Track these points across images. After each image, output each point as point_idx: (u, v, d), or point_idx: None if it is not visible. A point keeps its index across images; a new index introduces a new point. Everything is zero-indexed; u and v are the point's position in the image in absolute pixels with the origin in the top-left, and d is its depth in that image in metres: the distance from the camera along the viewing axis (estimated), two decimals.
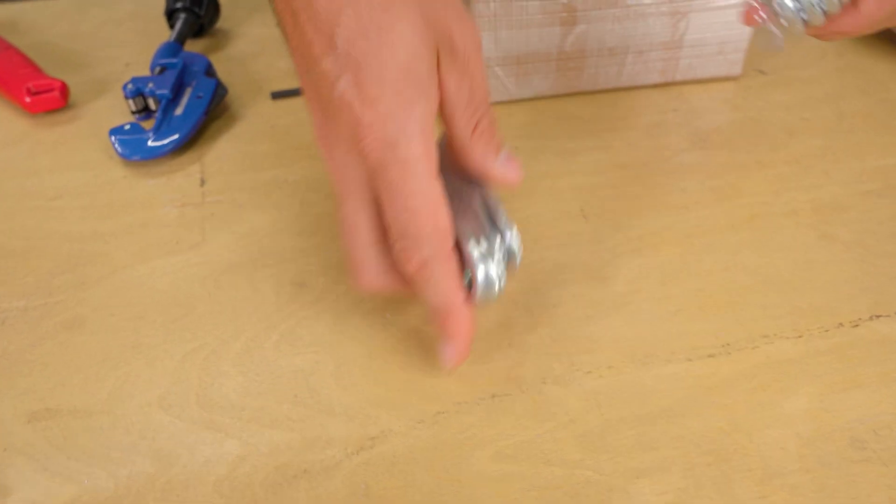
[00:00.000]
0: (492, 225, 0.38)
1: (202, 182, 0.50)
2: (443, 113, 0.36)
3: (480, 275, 0.36)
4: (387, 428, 0.38)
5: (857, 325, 0.42)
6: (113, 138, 0.51)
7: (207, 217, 0.48)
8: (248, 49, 0.62)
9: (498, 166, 0.38)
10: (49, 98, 0.54)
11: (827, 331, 0.42)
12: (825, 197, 0.50)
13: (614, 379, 0.40)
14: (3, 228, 0.48)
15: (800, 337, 0.42)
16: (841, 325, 0.42)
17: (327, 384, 0.39)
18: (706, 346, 0.41)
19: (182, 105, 0.53)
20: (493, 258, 0.37)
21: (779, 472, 0.36)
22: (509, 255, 0.38)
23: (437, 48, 0.35)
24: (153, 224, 0.48)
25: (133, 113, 0.54)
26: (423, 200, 0.34)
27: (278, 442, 0.37)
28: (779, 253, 0.46)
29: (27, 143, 0.54)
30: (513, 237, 0.38)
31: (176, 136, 0.51)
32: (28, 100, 0.54)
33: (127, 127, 0.51)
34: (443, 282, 0.36)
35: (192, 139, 0.53)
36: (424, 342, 0.41)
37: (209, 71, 0.56)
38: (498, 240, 0.37)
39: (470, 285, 0.37)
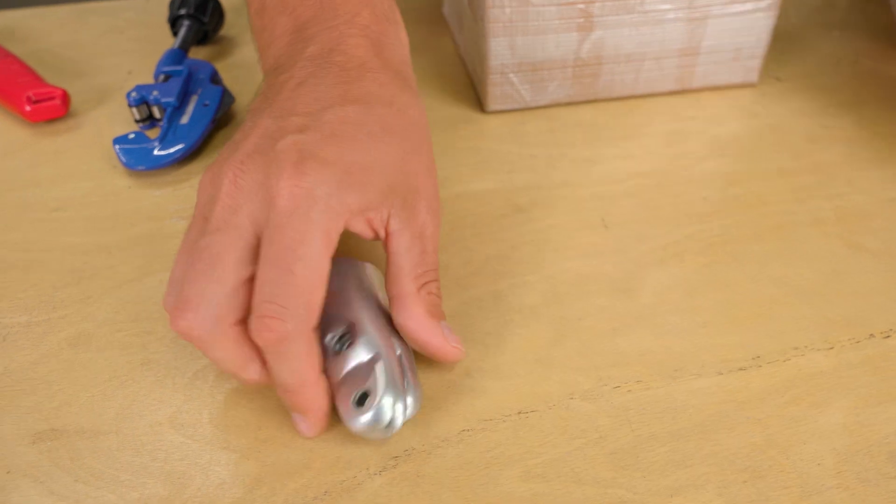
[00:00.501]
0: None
1: None
2: (391, 269, 0.36)
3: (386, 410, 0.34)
4: (410, 447, 0.36)
5: (888, 336, 0.41)
6: (116, 147, 0.49)
7: None
8: (253, 56, 0.60)
9: (442, 330, 0.37)
10: (50, 106, 0.53)
11: (858, 342, 0.41)
12: (850, 205, 0.48)
13: (643, 394, 0.38)
14: (4, 241, 0.46)
15: (831, 349, 0.41)
16: (872, 335, 0.41)
17: None
18: (736, 359, 0.40)
19: (188, 113, 0.51)
20: (402, 401, 0.35)
21: (817, 490, 0.35)
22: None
23: (400, 197, 0.36)
24: (159, 236, 0.46)
25: (137, 122, 0.52)
26: (309, 272, 0.32)
27: (297, 462, 0.36)
28: (805, 263, 0.45)
29: (27, 152, 0.52)
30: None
31: (182, 146, 0.50)
32: (28, 108, 0.52)
33: (131, 136, 0.50)
34: (297, 360, 0.33)
35: (199, 148, 0.52)
36: None
37: (215, 78, 0.54)
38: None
39: (360, 401, 0.35)
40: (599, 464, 0.36)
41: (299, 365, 0.33)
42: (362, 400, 0.35)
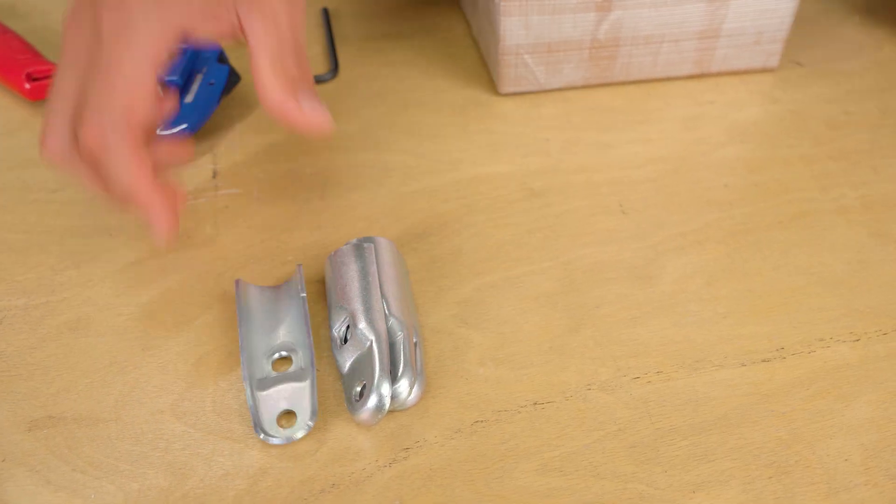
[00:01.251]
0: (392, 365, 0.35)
1: (214, 174, 0.47)
2: (252, 63, 0.36)
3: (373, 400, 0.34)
4: (421, 438, 0.35)
5: None
6: None
7: (221, 210, 0.45)
8: None
9: (295, 101, 0.36)
10: (50, 84, 0.51)
11: (885, 334, 0.40)
12: (875, 194, 0.47)
13: (664, 385, 0.37)
14: (2, 222, 0.44)
15: (857, 340, 0.39)
16: None
17: None
18: (760, 351, 0.39)
19: (192, 92, 0.50)
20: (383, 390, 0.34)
21: (844, 486, 0.34)
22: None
23: None
24: None
25: None
26: (130, 84, 0.33)
27: (303, 453, 0.34)
28: (830, 252, 0.43)
29: (27, 131, 0.50)
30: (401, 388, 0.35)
31: (186, 126, 0.48)
32: (27, 86, 0.51)
33: None
34: (123, 158, 0.34)
35: (204, 129, 0.50)
36: (458, 346, 0.38)
37: (221, 57, 0.53)
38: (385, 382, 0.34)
39: (359, 398, 0.35)
40: (619, 457, 0.34)
41: (124, 163, 0.34)
42: (361, 392, 0.34)
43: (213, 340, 0.38)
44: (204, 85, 0.50)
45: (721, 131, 0.51)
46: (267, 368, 0.37)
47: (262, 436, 0.34)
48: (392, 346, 0.36)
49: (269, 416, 0.35)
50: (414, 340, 0.36)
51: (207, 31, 0.35)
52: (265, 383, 0.36)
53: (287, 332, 0.38)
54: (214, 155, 0.49)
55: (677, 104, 0.53)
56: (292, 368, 0.37)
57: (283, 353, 0.37)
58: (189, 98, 0.49)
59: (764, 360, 0.38)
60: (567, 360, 0.38)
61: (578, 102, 0.53)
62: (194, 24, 0.35)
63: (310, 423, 0.34)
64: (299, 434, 0.34)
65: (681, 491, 0.33)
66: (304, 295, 0.38)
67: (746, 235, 0.44)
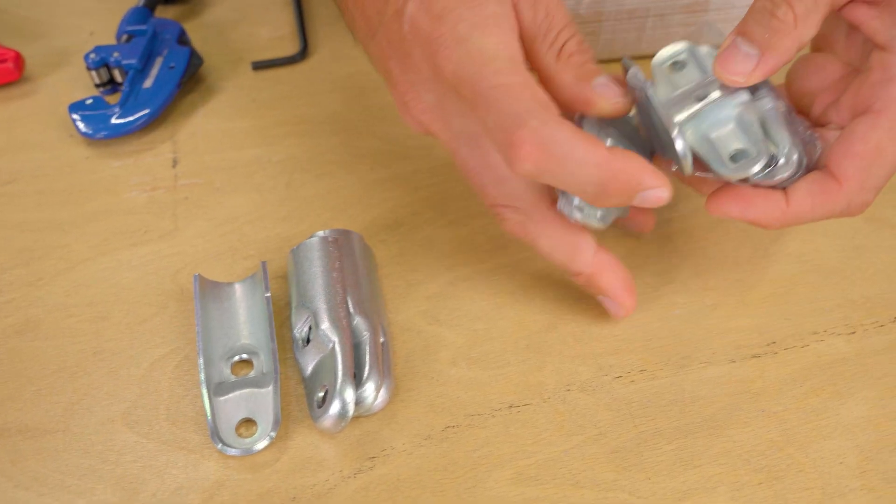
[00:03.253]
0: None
1: (174, 163, 0.45)
2: (525, 50, 0.33)
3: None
4: (388, 446, 0.33)
5: None
6: (73, 115, 0.45)
7: (181, 202, 0.43)
8: (225, 16, 0.56)
9: (596, 89, 0.33)
10: (1, 70, 0.48)
11: (882, 325, 0.38)
12: None
13: (648, 384, 0.35)
14: None
15: (853, 333, 0.37)
16: None
17: None
18: (750, 345, 0.37)
19: (152, 77, 0.47)
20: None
21: (839, 491, 0.32)
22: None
23: None
24: (119, 211, 0.42)
25: (96, 86, 0.48)
26: (504, 95, 0.30)
27: (262, 464, 0.32)
28: (823, 238, 0.41)
29: None
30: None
31: (145, 112, 0.46)
32: None
33: (89, 101, 0.46)
34: (546, 242, 0.34)
35: (164, 115, 0.48)
36: (429, 345, 0.36)
37: (182, 39, 0.50)
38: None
39: (321, 404, 0.32)
40: (599, 464, 0.32)
41: (551, 246, 0.34)
42: (324, 398, 0.32)
43: (169, 342, 0.36)
44: (164, 68, 0.48)
45: None
46: (225, 372, 0.34)
47: (219, 445, 0.32)
48: (357, 348, 0.33)
49: (227, 424, 0.33)
50: (381, 340, 0.34)
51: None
52: (223, 388, 0.33)
53: (248, 333, 0.36)
54: (174, 143, 0.46)
55: None
56: (253, 373, 0.34)
57: (244, 356, 0.35)
58: (148, 83, 0.47)
59: (754, 356, 0.36)
60: (545, 358, 0.36)
61: None
62: None
63: (272, 433, 0.32)
64: (260, 446, 0.32)
65: (665, 499, 0.32)
66: (269, 295, 0.36)
67: (736, 222, 0.42)
